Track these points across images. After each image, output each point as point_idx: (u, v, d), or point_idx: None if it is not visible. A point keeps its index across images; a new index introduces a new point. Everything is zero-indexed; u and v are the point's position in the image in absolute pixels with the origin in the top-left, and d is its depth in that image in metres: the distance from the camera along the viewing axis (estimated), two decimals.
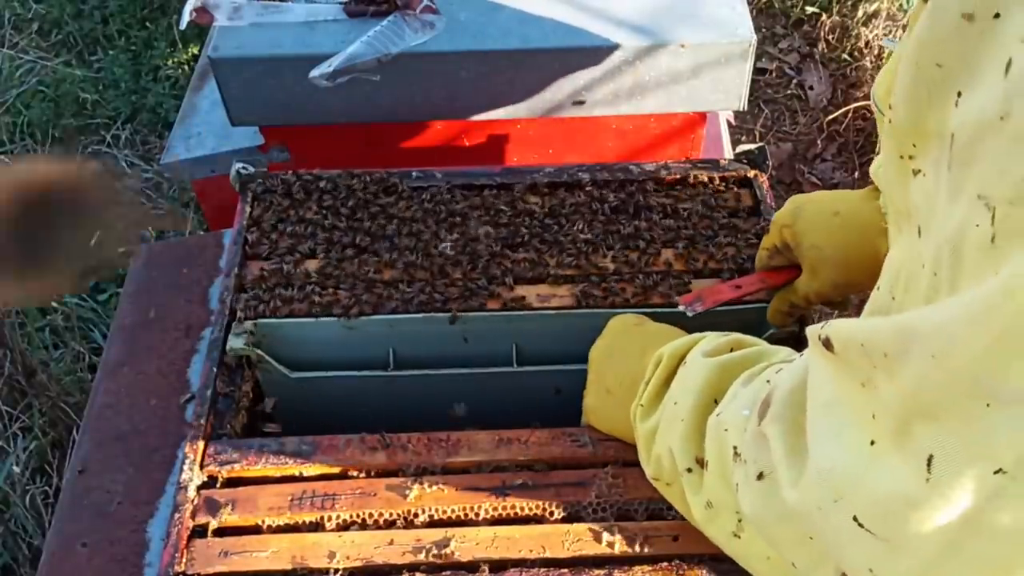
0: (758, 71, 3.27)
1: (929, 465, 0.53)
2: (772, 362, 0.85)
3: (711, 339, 0.94)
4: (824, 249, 1.08)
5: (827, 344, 0.62)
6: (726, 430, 0.79)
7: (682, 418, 0.86)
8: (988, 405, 0.49)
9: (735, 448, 0.77)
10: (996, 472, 0.50)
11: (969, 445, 0.51)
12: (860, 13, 3.44)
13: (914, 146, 0.59)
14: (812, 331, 0.65)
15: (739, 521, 0.81)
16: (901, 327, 0.54)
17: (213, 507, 0.99)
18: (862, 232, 1.06)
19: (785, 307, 1.15)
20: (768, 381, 0.78)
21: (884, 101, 0.81)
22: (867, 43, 3.37)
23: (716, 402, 0.84)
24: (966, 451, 0.51)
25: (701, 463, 0.84)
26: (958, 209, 0.52)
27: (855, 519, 0.58)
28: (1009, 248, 0.48)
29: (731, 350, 0.90)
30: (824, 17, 3.49)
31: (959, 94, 0.54)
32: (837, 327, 0.61)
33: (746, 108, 1.61)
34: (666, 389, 0.92)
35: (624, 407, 0.98)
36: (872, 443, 0.58)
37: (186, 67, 3.37)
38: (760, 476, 0.71)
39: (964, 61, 0.53)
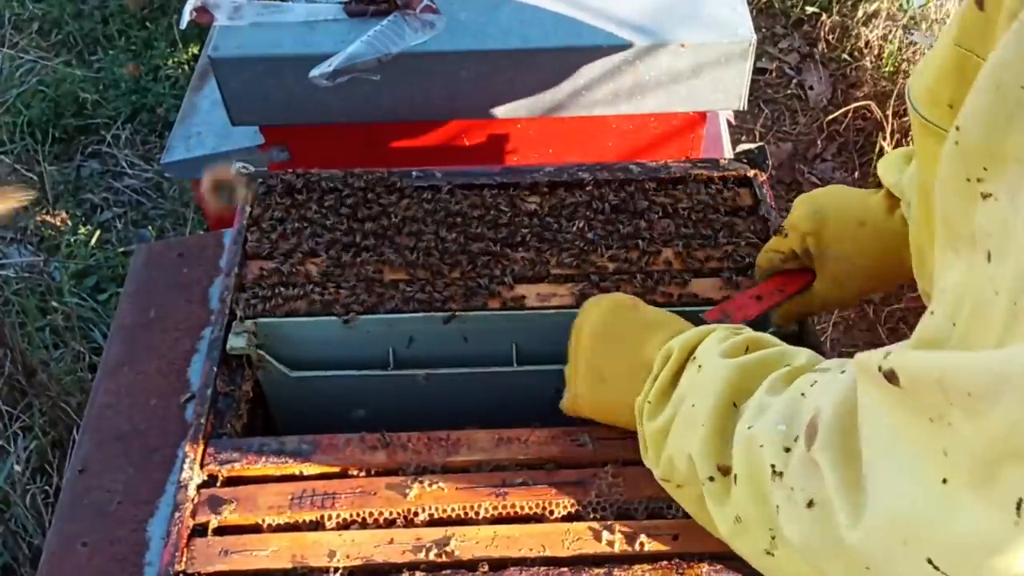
0: (758, 71, 3.27)
1: (1019, 509, 0.51)
2: (796, 366, 0.82)
3: (723, 335, 0.90)
4: (853, 260, 1.07)
5: (891, 377, 0.59)
6: (761, 446, 0.75)
7: (702, 423, 0.82)
8: None
9: (773, 467, 0.73)
10: None
11: None
12: (860, 13, 3.44)
13: (985, 169, 0.56)
14: (868, 362, 0.62)
15: (772, 539, 0.77)
16: (990, 367, 0.51)
17: (213, 506, 0.99)
18: (890, 243, 1.05)
19: (797, 311, 1.14)
20: (803, 395, 0.75)
21: (924, 101, 0.79)
22: (867, 43, 3.37)
23: (735, 405, 0.81)
24: None
25: (725, 471, 0.80)
26: None
27: (929, 561, 0.56)
28: None
29: (747, 348, 0.87)
30: (824, 17, 3.49)
31: None
32: (906, 361, 0.58)
33: (746, 108, 1.61)
34: (675, 385, 0.89)
35: (622, 396, 0.96)
36: (944, 481, 0.55)
37: (186, 67, 3.37)
38: (811, 504, 0.68)
39: None
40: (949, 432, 0.55)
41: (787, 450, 0.72)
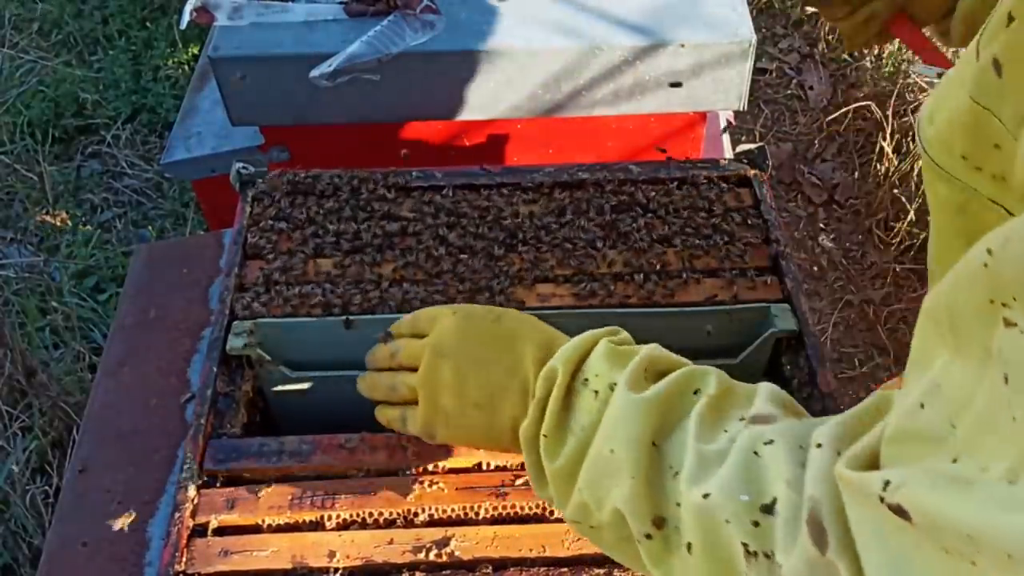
0: (758, 71, 3.28)
1: None
2: (711, 395, 0.77)
3: (608, 350, 0.83)
4: None
5: (899, 511, 0.52)
6: (727, 521, 0.68)
7: (630, 475, 0.74)
8: None
9: (746, 546, 0.67)
10: None
11: None
12: None
13: (1015, 299, 0.52)
14: (861, 484, 0.56)
15: None
16: None
17: (213, 506, 0.99)
18: None
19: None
20: (757, 454, 0.69)
21: (936, 148, 0.74)
22: None
23: (655, 444, 0.75)
24: None
25: (659, 524, 0.74)
26: None
27: None
28: None
29: (645, 371, 0.81)
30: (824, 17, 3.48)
31: None
32: (921, 502, 0.51)
33: (746, 108, 1.61)
34: (567, 410, 0.82)
35: (497, 420, 0.88)
36: None
37: (186, 67, 3.37)
38: None
39: None
40: (975, 571, 0.49)
41: (756, 524, 0.67)
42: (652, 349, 0.84)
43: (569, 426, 0.81)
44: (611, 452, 0.77)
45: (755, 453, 0.69)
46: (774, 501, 0.66)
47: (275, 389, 1.18)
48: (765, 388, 0.78)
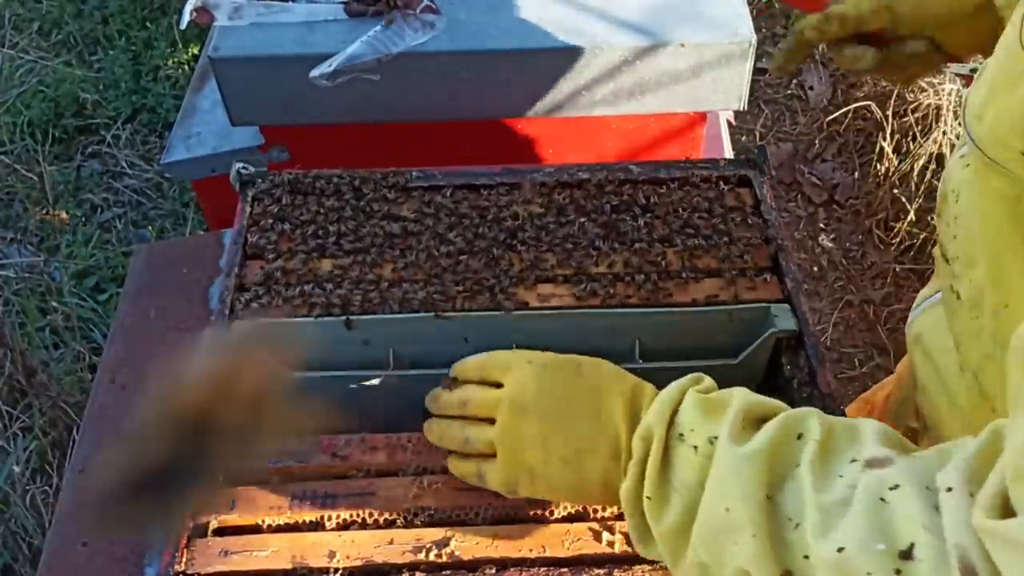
0: (758, 71, 3.28)
1: None
2: (817, 440, 0.75)
3: (699, 402, 0.82)
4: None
5: None
6: (868, 573, 0.67)
7: (751, 533, 0.73)
8: None
9: None
10: None
11: None
12: None
13: None
14: (1007, 533, 0.57)
15: None
16: None
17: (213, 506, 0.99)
18: None
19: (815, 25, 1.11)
20: (884, 500, 0.68)
21: (989, 144, 0.75)
22: None
23: (770, 498, 0.74)
24: None
25: None
26: None
27: None
28: None
29: (743, 420, 0.79)
30: None
31: None
32: None
33: (746, 108, 1.61)
34: (666, 467, 0.81)
35: (589, 475, 0.86)
36: None
37: (186, 67, 3.37)
38: None
39: None
40: None
41: (898, 572, 0.66)
42: (744, 396, 0.82)
43: (671, 484, 0.80)
44: (726, 511, 0.75)
45: (882, 500, 0.69)
46: (911, 547, 0.66)
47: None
48: (871, 427, 0.77)
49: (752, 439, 0.77)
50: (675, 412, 0.83)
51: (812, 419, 0.78)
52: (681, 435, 0.81)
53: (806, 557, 0.71)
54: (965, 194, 0.92)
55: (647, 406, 0.86)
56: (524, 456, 0.88)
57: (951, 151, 1.09)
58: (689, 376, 0.86)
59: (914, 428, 1.23)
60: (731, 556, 0.75)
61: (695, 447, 0.80)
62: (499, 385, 0.92)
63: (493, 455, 0.90)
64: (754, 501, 0.73)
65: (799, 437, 0.77)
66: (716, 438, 0.79)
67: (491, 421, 0.90)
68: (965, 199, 0.91)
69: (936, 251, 1.11)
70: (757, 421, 0.80)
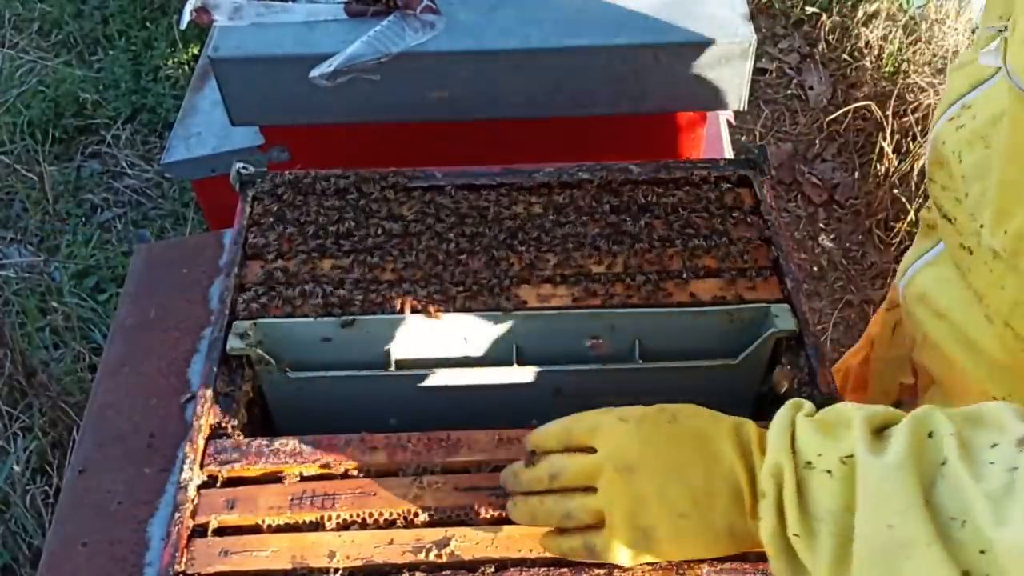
0: (758, 71, 3.28)
1: None
2: (946, 434, 0.74)
3: (826, 430, 0.79)
4: None
5: None
6: None
7: (927, 543, 0.69)
8: None
9: None
10: None
11: None
12: (860, 13, 3.44)
13: None
14: None
15: None
16: None
17: (213, 506, 0.99)
18: None
19: None
20: None
21: None
22: (867, 43, 3.37)
23: (927, 502, 0.72)
24: None
25: None
26: None
27: None
28: None
29: (872, 433, 0.76)
30: (824, 17, 3.49)
31: None
32: None
33: (746, 108, 1.61)
34: (803, 501, 0.77)
35: (704, 527, 0.83)
36: None
37: (186, 67, 3.38)
38: None
39: None
40: None
41: None
42: (860, 409, 0.80)
43: (812, 516, 0.76)
44: (889, 527, 0.72)
45: None
46: None
47: (295, 376, 1.18)
48: (999, 409, 0.75)
49: (890, 448, 0.74)
50: (792, 442, 0.80)
51: (936, 415, 0.76)
52: (809, 463, 0.77)
53: (983, 552, 0.69)
54: (972, 152, 0.93)
55: (755, 443, 0.83)
56: (640, 518, 0.83)
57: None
58: (787, 404, 0.83)
59: (908, 385, 1.25)
60: (908, 572, 0.71)
61: (828, 471, 0.76)
62: (589, 450, 0.86)
63: (599, 525, 0.85)
64: (918, 509, 0.71)
65: (930, 435, 0.75)
66: (850, 457, 0.76)
67: (589, 490, 0.85)
68: (975, 156, 0.92)
69: (926, 214, 1.12)
70: (878, 429, 0.78)
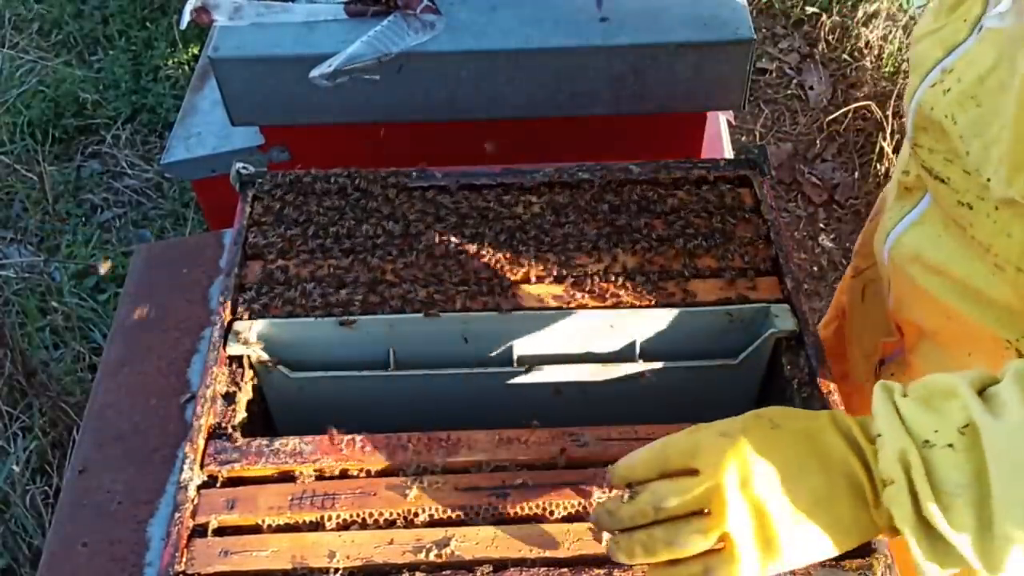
0: (758, 71, 3.28)
1: None
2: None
3: (931, 403, 0.79)
4: None
5: None
6: None
7: None
8: None
9: None
10: None
11: None
12: (860, 13, 3.44)
13: None
14: None
15: None
16: None
17: (213, 506, 0.99)
18: None
19: None
20: None
21: None
22: (867, 43, 3.37)
23: None
24: None
25: None
26: None
27: None
28: None
29: (980, 400, 0.77)
30: (824, 17, 3.49)
31: None
32: None
33: (746, 108, 1.61)
34: (933, 481, 0.77)
35: (831, 527, 0.81)
36: None
37: (186, 67, 3.38)
38: None
39: None
40: None
41: None
42: (961, 376, 0.80)
43: (947, 492, 0.76)
44: None
45: None
46: None
47: (294, 375, 1.18)
48: None
49: (1006, 409, 0.74)
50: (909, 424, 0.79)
51: (1012, 366, 0.77)
52: (927, 441, 0.77)
53: None
54: (964, 112, 0.96)
55: (859, 432, 0.82)
56: (765, 530, 0.80)
57: None
58: (879, 388, 0.83)
59: (890, 343, 1.28)
60: None
61: (950, 445, 0.76)
62: (688, 472, 0.82)
63: (716, 549, 0.81)
64: None
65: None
66: (966, 426, 0.76)
67: (698, 514, 0.81)
68: (969, 116, 0.95)
69: (903, 178, 1.15)
70: (979, 392, 0.79)
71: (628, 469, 0.85)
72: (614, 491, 0.82)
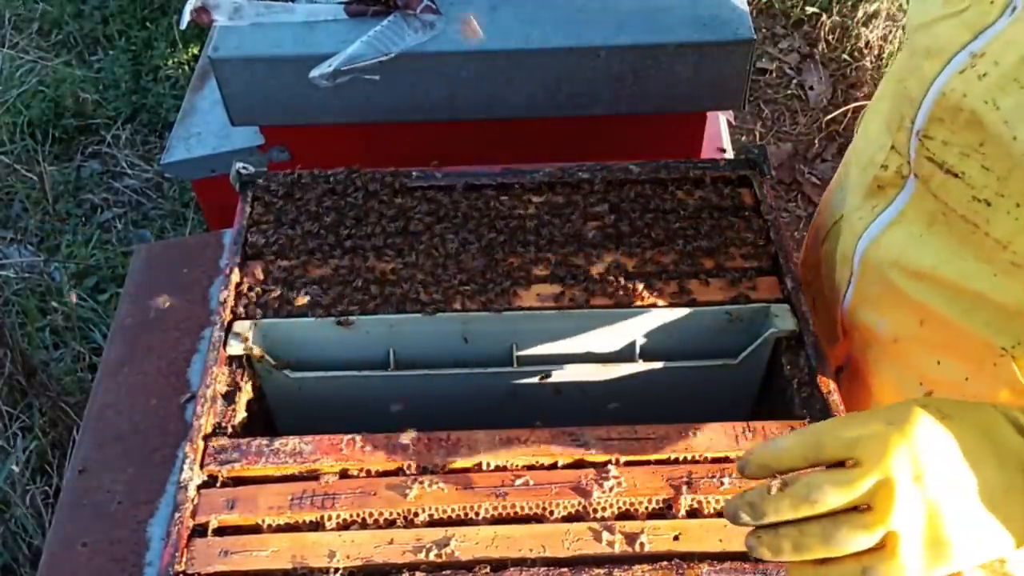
0: (758, 71, 3.28)
1: None
2: None
3: None
4: None
5: None
6: None
7: None
8: None
9: None
10: None
11: None
12: (860, 13, 3.44)
13: None
14: None
15: None
16: None
17: (213, 506, 0.99)
18: None
19: None
20: None
21: None
22: (867, 43, 3.37)
23: None
24: None
25: None
26: None
27: None
28: None
29: None
30: (824, 17, 3.49)
31: None
32: None
33: (746, 108, 1.61)
34: None
35: (1009, 523, 0.75)
36: None
37: (186, 67, 3.37)
38: None
39: None
40: None
41: None
42: None
43: None
44: None
45: None
46: None
47: (295, 375, 1.18)
48: None
49: None
50: None
51: None
52: None
53: None
54: (1008, 95, 0.88)
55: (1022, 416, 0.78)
56: (937, 529, 0.73)
57: None
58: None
59: (835, 346, 1.24)
60: None
61: None
62: (844, 463, 0.74)
63: (877, 548, 0.73)
64: None
65: None
66: None
67: (853, 510, 0.73)
68: (1013, 99, 0.88)
69: (881, 173, 1.08)
70: None
71: (772, 458, 0.76)
72: (755, 482, 0.75)
